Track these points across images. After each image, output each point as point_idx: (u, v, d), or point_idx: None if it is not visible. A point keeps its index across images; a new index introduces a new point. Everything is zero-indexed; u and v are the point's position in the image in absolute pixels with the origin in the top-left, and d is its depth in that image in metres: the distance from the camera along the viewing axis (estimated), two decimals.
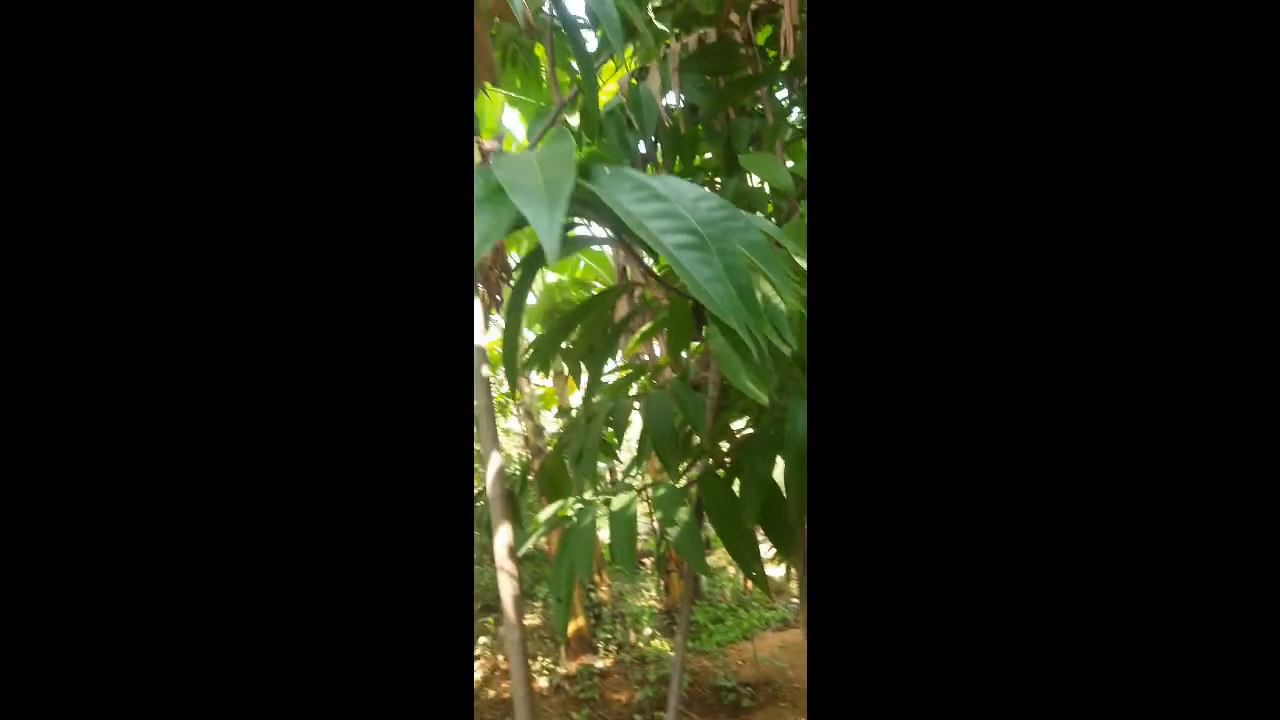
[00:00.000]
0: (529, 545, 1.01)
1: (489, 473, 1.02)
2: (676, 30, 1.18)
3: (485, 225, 0.39)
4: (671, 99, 1.31)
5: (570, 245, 0.96)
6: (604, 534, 1.02)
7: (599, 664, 3.61)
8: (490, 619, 4.24)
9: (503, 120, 2.90)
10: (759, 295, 0.63)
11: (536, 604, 4.36)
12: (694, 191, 0.44)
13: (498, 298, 2.09)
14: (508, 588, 0.93)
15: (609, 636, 3.87)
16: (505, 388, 4.43)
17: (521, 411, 4.08)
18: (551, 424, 4.81)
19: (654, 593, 4.53)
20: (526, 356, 1.18)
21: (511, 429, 4.77)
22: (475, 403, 1.07)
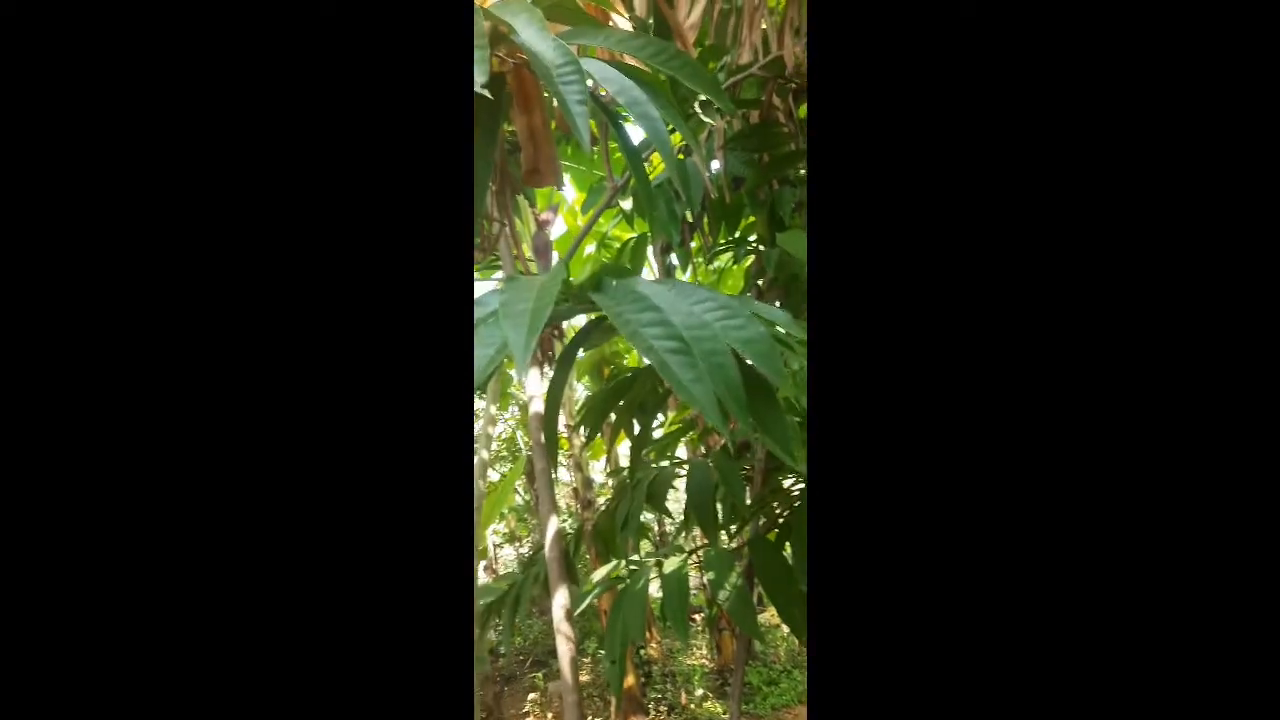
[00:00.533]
0: (584, 606, 1.05)
1: (547, 534, 1.07)
2: (720, 114, 1.26)
3: (496, 341, 0.46)
4: (716, 166, 1.38)
5: (603, 333, 1.02)
6: (654, 587, 1.04)
7: None
8: (539, 674, 4.20)
9: (555, 189, 3.05)
10: (796, 364, 0.67)
11: (585, 659, 4.31)
12: (695, 296, 0.51)
13: (550, 354, 2.17)
14: (565, 650, 0.96)
15: (659, 696, 3.78)
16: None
17: (571, 463, 4.14)
18: (599, 474, 4.84)
19: (705, 651, 4.42)
20: (579, 415, 1.24)
21: (560, 479, 4.82)
22: (535, 467, 1.13)
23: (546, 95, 0.79)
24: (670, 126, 0.71)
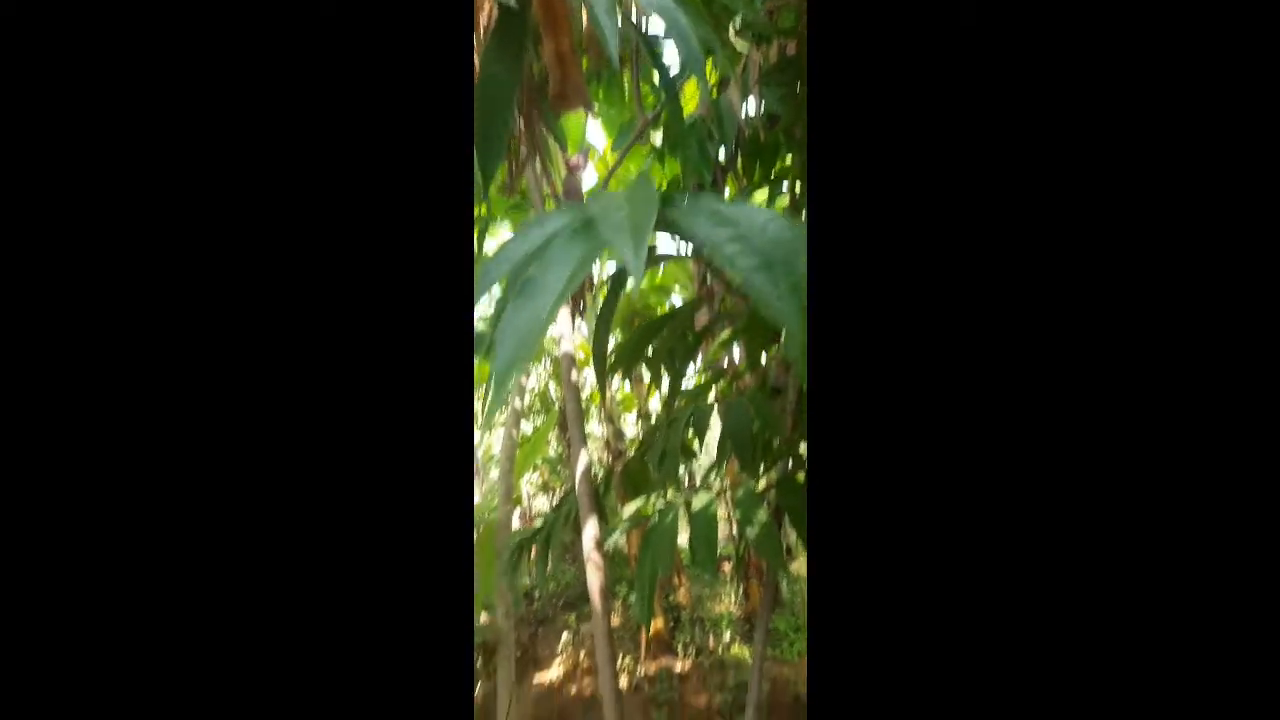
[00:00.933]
0: (614, 539, 1.07)
1: (577, 470, 1.09)
2: (757, 40, 1.21)
3: (578, 255, 0.44)
4: (751, 105, 1.33)
5: (653, 260, 1.01)
6: (683, 539, 1.05)
7: (678, 667, 3.64)
8: (572, 616, 4.35)
9: (586, 135, 3.01)
10: None
11: (615, 603, 4.45)
12: (764, 216, 0.48)
13: (581, 305, 2.18)
14: (595, 580, 0.99)
15: (688, 640, 3.89)
16: (588, 390, 4.56)
17: (602, 415, 4.19)
18: (632, 427, 4.89)
19: (734, 599, 4.51)
20: (610, 361, 1.24)
21: (592, 433, 4.89)
22: (566, 407, 1.14)
23: (574, 18, 0.76)
24: (706, 51, 0.68)
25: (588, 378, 4.58)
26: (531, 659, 4.03)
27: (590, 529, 1.01)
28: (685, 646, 3.84)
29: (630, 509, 1.17)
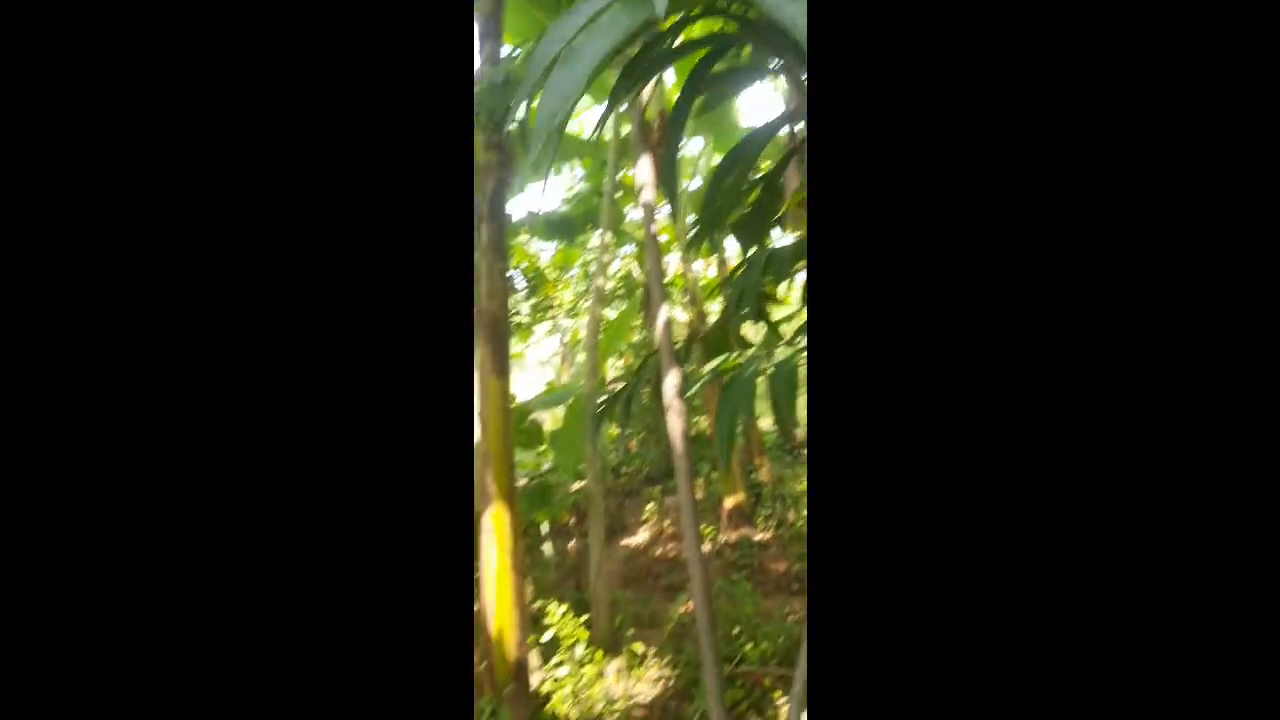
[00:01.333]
0: (696, 389, 1.09)
1: (658, 324, 1.10)
2: None
3: (624, 24, 0.43)
4: None
5: (732, 82, 0.94)
6: (766, 424, 1.04)
7: (757, 537, 3.81)
8: (656, 489, 4.60)
9: None
10: None
11: (696, 480, 4.64)
12: None
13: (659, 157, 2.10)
14: (677, 425, 1.02)
15: (769, 513, 4.04)
16: (670, 275, 4.52)
17: (687, 299, 4.18)
18: (716, 314, 4.87)
19: None
20: (691, 235, 1.21)
21: (677, 318, 4.92)
22: (646, 254, 1.13)
23: None
24: None
25: (671, 262, 4.54)
26: (619, 525, 4.33)
27: (672, 378, 1.04)
28: (765, 519, 4.00)
29: (711, 365, 1.19)
